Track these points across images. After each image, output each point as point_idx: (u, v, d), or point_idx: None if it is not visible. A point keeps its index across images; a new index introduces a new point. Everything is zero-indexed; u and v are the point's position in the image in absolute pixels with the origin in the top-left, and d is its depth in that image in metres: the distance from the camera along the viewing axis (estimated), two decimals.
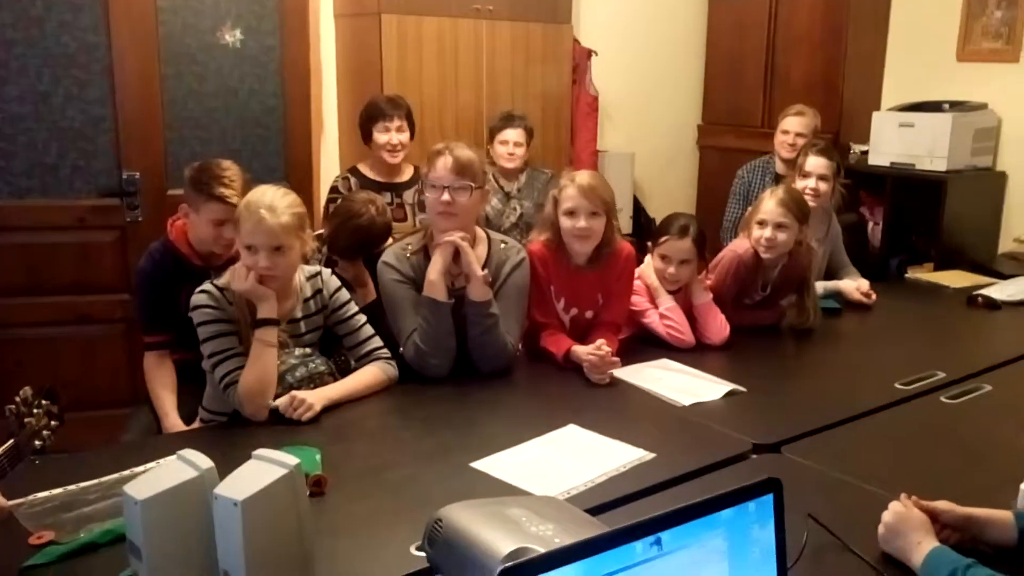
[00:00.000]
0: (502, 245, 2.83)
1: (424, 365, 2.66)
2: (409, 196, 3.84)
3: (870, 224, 4.98)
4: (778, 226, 3.08)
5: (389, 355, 2.64)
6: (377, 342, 2.64)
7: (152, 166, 4.05)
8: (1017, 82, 4.80)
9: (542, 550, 1.30)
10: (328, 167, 4.64)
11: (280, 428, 2.31)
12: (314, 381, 2.48)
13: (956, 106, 4.74)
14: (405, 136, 3.79)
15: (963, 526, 1.74)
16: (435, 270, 2.63)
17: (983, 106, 4.81)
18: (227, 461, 1.83)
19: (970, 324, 3.51)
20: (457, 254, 2.65)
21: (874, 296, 3.59)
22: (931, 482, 1.98)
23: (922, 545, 1.65)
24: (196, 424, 2.74)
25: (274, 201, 2.39)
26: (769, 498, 1.34)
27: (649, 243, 3.14)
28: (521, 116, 4.31)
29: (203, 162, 2.86)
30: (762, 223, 3.10)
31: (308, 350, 2.53)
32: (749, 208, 4.40)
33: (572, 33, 4.91)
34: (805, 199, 3.27)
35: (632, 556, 1.14)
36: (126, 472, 1.97)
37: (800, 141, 4.34)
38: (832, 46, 5.18)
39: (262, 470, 1.58)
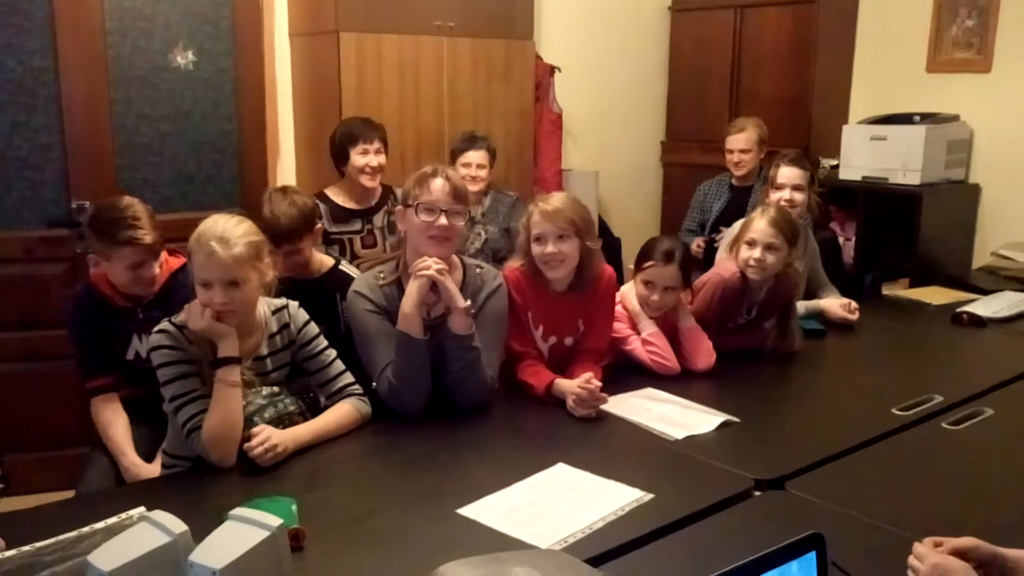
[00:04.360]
0: (477, 271, 2.67)
1: (398, 402, 2.49)
2: (378, 220, 3.71)
3: (841, 239, 4.90)
4: (768, 247, 2.96)
5: (362, 391, 2.48)
6: (349, 378, 2.47)
7: (103, 194, 3.79)
8: (989, 92, 4.75)
9: None
10: None
11: (249, 475, 2.13)
12: (284, 422, 2.31)
13: (927, 118, 4.68)
14: (383, 158, 3.68)
15: (989, 562, 1.63)
16: (410, 303, 2.45)
17: (955, 118, 4.76)
18: (196, 516, 1.68)
19: (959, 343, 3.42)
20: (435, 284, 2.48)
21: (857, 312, 3.47)
22: (947, 519, 1.88)
23: None
24: (157, 464, 2.57)
25: (226, 231, 2.21)
26: (812, 556, 1.22)
27: (631, 267, 3.00)
28: (484, 137, 4.18)
29: (98, 207, 2.71)
30: (751, 243, 2.98)
31: (276, 389, 2.36)
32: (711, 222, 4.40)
33: (534, 49, 4.78)
34: (796, 222, 3.14)
35: None
36: (85, 529, 1.81)
37: (745, 157, 4.34)
38: (800, 60, 5.11)
39: (241, 532, 1.43)
